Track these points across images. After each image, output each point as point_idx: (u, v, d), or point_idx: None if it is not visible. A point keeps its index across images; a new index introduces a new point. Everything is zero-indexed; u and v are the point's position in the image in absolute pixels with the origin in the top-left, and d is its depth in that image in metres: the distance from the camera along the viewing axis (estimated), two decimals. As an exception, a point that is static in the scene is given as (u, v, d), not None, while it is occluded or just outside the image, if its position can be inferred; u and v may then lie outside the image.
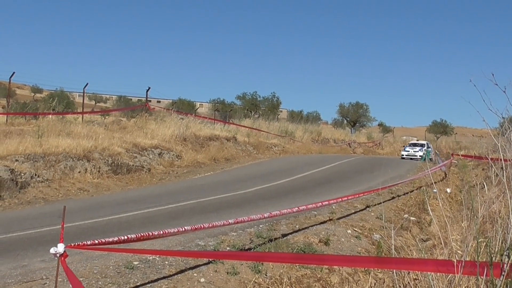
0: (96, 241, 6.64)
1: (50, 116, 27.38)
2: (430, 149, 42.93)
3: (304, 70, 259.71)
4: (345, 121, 70.59)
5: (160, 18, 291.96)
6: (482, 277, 4.78)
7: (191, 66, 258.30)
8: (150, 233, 7.43)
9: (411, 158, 41.53)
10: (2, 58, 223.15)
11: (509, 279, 4.60)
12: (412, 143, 47.34)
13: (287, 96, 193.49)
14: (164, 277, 7.80)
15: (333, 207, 13.12)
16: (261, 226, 10.95)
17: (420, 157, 40.20)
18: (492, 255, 4.92)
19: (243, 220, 9.26)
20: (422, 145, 44.89)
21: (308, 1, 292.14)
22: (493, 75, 6.43)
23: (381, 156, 42.69)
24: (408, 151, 43.74)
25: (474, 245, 5.94)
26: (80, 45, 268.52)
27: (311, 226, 11.45)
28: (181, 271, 8.05)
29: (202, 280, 7.89)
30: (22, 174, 15.88)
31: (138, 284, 7.49)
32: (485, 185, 9.38)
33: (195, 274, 8.02)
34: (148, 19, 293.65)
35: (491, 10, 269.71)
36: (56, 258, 6.01)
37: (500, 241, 5.55)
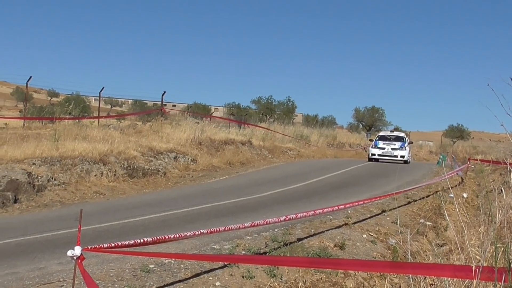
0: (113, 244, 6.66)
1: (67, 120, 27.57)
2: (407, 144, 34.22)
3: (320, 74, 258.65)
4: (361, 126, 70.38)
5: (176, 22, 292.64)
6: (500, 283, 4.74)
7: (206, 70, 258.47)
8: (166, 237, 7.44)
9: (386, 161, 32.10)
10: (19, 62, 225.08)
11: (527, 285, 4.56)
12: (384, 136, 35.69)
13: (302, 100, 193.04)
14: (179, 281, 7.81)
15: (349, 211, 13.08)
16: (276, 230, 10.94)
17: (401, 159, 31.96)
18: (510, 261, 4.88)
19: (258, 223, 9.24)
20: (401, 139, 34.19)
21: (325, 6, 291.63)
22: (511, 79, 6.38)
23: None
24: (383, 148, 32.85)
25: (491, 251, 5.90)
26: (96, 49, 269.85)
27: (327, 230, 11.42)
28: (197, 275, 8.06)
29: (218, 283, 7.89)
30: (39, 177, 15.97)
31: (154, 287, 7.51)
32: (503, 190, 9.32)
33: (210, 278, 8.02)
34: (164, 24, 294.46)
35: (509, 12, 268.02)
36: (73, 260, 6.03)
37: (518, 246, 5.50)
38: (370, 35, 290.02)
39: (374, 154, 32.83)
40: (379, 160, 32.28)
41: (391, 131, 39.25)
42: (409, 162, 32.41)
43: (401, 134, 36.61)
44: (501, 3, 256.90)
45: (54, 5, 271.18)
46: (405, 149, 32.49)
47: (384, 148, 32.63)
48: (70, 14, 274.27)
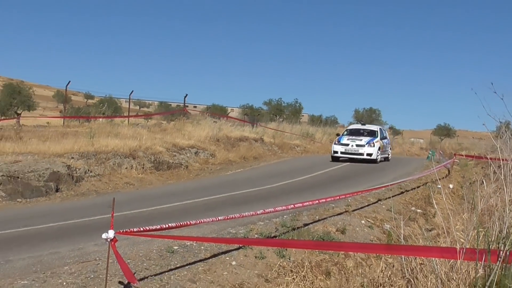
0: (141, 229, 6.74)
1: (101, 119, 27.76)
2: (387, 140, 27.65)
3: (323, 77, 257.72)
4: (359, 124, 70.09)
5: (194, 31, 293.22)
6: (480, 262, 4.77)
7: (224, 73, 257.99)
8: (188, 222, 7.53)
9: (351, 158, 24.66)
10: (60, 68, 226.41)
11: (505, 264, 4.59)
12: (354, 129, 27.66)
13: (308, 101, 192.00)
14: (200, 260, 7.87)
15: (349, 200, 13.07)
16: (285, 216, 10.96)
17: (367, 157, 24.44)
18: (490, 243, 4.91)
19: (269, 211, 9.30)
20: (372, 134, 26.15)
21: (325, 14, 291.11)
22: (492, 84, 6.41)
23: (392, 156, 41.01)
24: (346, 144, 24.99)
25: (474, 234, 5.92)
26: (126, 56, 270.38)
27: (329, 217, 11.43)
28: (215, 255, 8.12)
29: (234, 263, 7.95)
30: (77, 170, 16.10)
31: (178, 265, 7.57)
32: (484, 182, 9.33)
33: (227, 258, 8.08)
34: (185, 32, 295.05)
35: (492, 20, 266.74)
36: (107, 242, 6.12)
37: (497, 231, 5.53)
38: (369, 39, 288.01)
39: (336, 152, 24.95)
40: (340, 159, 24.92)
41: (362, 124, 30.02)
42: (378, 161, 24.86)
43: (375, 128, 28.04)
44: (488, 9, 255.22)
45: (89, 17, 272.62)
46: (373, 146, 24.64)
47: (347, 145, 24.83)
48: (103, 25, 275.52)
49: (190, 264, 7.67)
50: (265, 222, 10.37)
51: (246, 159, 25.18)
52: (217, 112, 48.41)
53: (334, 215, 11.63)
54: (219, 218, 8.21)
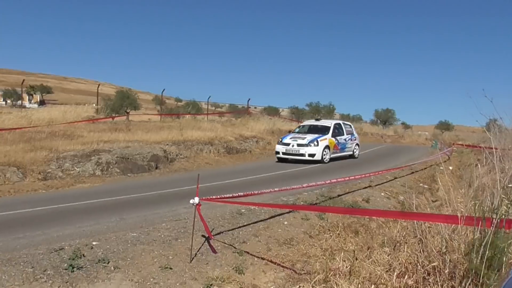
0: (218, 196, 6.83)
1: (187, 116, 28.19)
2: (350, 136, 19.51)
3: (354, 77, 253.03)
4: (378, 121, 68.62)
5: (257, 40, 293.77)
6: (477, 227, 4.61)
7: (277, 80, 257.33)
8: (252, 192, 7.56)
9: (294, 160, 17.22)
10: (157, 78, 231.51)
11: (497, 229, 4.42)
12: (306, 126, 19.77)
13: (340, 101, 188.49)
14: (261, 220, 7.91)
15: (372, 178, 12.83)
16: (323, 189, 10.86)
17: (309, 158, 17.00)
18: (484, 213, 4.74)
19: (312, 184, 9.27)
20: (323, 130, 18.38)
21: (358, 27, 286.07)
22: (483, 89, 6.25)
23: (404, 145, 38.94)
24: (288, 144, 17.53)
25: (471, 205, 5.72)
26: (206, 67, 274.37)
27: (357, 190, 11.26)
28: (272, 217, 8.14)
29: (285, 223, 7.95)
30: (171, 153, 16.42)
31: (245, 224, 7.63)
32: (478, 165, 8.99)
33: (281, 219, 8.09)
34: (247, 42, 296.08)
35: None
36: (193, 206, 6.21)
37: (489, 203, 5.33)
38: (388, 43, 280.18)
39: (278, 153, 17.60)
40: (288, 160, 17.38)
41: (317, 120, 21.53)
42: (327, 161, 17.35)
43: (328, 124, 19.05)
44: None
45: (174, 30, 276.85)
46: (316, 145, 17.05)
47: (288, 144, 17.34)
48: (188, 42, 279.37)
49: (253, 223, 7.73)
50: (308, 193, 10.32)
51: (293, 146, 25.01)
52: (272, 111, 48.51)
53: (360, 189, 11.46)
54: (275, 189, 8.23)
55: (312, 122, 20.52)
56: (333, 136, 18.12)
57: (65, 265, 5.31)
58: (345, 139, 18.96)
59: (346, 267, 5.52)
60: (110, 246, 6.06)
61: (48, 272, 5.13)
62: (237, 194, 7.07)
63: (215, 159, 17.97)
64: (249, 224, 7.64)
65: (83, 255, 5.62)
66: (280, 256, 6.65)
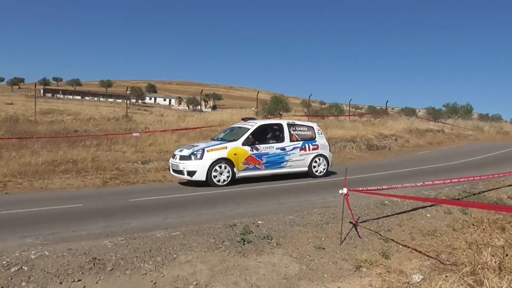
0: (364, 188, 6.62)
1: (331, 117, 28.01)
2: (302, 144, 11.20)
3: (493, 81, 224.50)
4: (523, 119, 59.54)
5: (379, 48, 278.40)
6: None
7: (414, 82, 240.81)
8: (394, 186, 7.16)
9: (178, 177, 10.18)
10: (305, 84, 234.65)
11: None
12: (230, 129, 11.70)
13: (478, 101, 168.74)
14: (404, 212, 7.47)
15: (517, 175, 11.18)
16: (465, 185, 9.81)
17: (189, 177, 9.76)
18: None
19: (454, 180, 8.40)
20: (239, 135, 10.63)
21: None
22: None
23: None
24: (173, 156, 10.33)
25: None
26: (347, 74, 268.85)
27: (501, 187, 9.91)
28: (414, 209, 7.62)
29: (428, 215, 7.37)
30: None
31: (388, 214, 7.28)
32: None
33: (423, 211, 7.53)
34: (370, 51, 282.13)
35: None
36: (342, 195, 6.12)
37: None
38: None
39: (168, 168, 10.62)
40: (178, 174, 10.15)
41: (244, 119, 12.00)
42: (222, 184, 9.94)
43: (250, 125, 11.00)
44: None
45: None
46: (200, 158, 9.77)
47: (174, 156, 10.33)
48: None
49: (396, 214, 7.33)
50: (449, 188, 9.42)
51: (431, 144, 23.14)
52: (408, 112, 45.58)
53: (504, 186, 10.08)
54: (417, 184, 7.67)
55: (239, 123, 12.06)
56: (250, 143, 10.50)
57: (238, 238, 5.66)
58: (282, 149, 10.93)
59: (495, 262, 4.89)
60: (272, 226, 6.28)
61: (226, 243, 5.52)
62: (381, 187, 6.77)
63: (357, 155, 17.50)
64: (393, 214, 7.26)
65: (251, 231, 5.93)
66: (424, 246, 6.18)
